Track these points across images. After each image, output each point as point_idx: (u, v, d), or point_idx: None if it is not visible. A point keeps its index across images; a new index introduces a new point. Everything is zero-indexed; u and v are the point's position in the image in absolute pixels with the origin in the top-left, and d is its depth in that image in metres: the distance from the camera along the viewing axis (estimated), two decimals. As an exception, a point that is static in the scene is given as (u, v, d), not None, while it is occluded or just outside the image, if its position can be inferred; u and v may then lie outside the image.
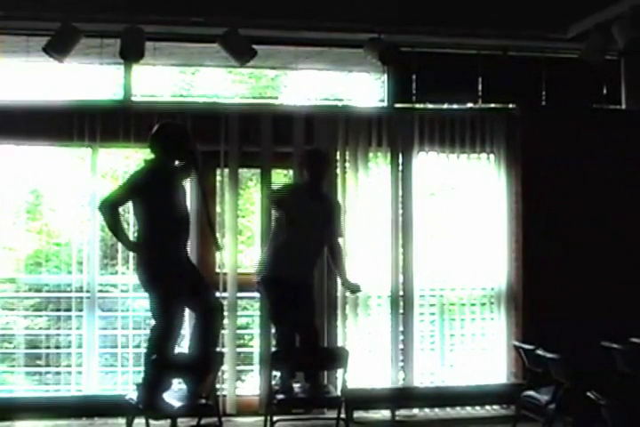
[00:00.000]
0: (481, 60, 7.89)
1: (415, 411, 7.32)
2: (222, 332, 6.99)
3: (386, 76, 7.80)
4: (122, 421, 6.16)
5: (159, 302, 5.97)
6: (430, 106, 7.88)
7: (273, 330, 7.08)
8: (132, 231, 6.62)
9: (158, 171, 6.07)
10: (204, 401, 5.86)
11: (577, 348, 6.08)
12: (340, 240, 6.85)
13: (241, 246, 7.84)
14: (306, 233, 6.37)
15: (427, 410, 7.36)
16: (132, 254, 7.04)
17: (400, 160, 7.54)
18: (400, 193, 7.50)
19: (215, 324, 6.18)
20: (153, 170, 6.10)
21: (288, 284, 6.35)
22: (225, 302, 7.09)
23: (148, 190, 5.96)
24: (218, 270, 7.16)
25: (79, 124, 7.04)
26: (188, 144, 6.13)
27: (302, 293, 6.47)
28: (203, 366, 5.91)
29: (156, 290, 5.97)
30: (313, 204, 6.49)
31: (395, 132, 7.50)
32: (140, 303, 7.20)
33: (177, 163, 6.19)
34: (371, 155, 7.53)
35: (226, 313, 7.07)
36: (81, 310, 7.12)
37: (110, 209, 5.89)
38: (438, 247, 7.68)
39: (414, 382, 7.41)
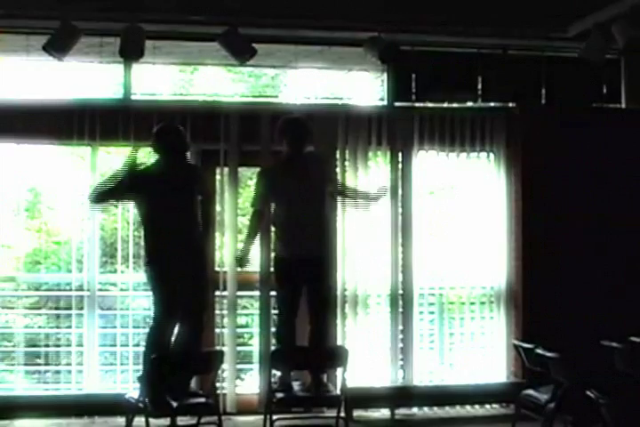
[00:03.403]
0: (481, 58, 7.90)
1: (414, 410, 7.32)
2: (221, 330, 7.04)
3: (386, 74, 7.80)
4: (122, 419, 6.16)
5: (159, 297, 6.09)
6: (430, 105, 7.89)
7: (274, 329, 7.10)
8: (131, 231, 6.66)
9: (155, 171, 6.19)
10: (203, 400, 5.87)
11: (576, 347, 6.07)
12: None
13: (240, 245, 7.81)
14: (297, 208, 6.33)
15: (426, 409, 7.36)
16: (132, 253, 7.09)
17: (400, 159, 7.54)
18: (400, 192, 7.50)
19: (195, 323, 6.22)
20: (150, 170, 6.26)
21: (296, 263, 6.33)
22: (224, 301, 7.13)
23: (139, 189, 6.10)
24: (217, 269, 7.16)
25: (79, 122, 7.03)
26: (184, 146, 6.30)
27: (314, 273, 6.39)
28: (196, 365, 5.93)
29: (157, 286, 6.06)
30: (294, 177, 6.40)
31: (394, 131, 7.50)
32: (140, 302, 7.21)
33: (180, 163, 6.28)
34: (370, 154, 7.52)
35: (225, 312, 7.11)
36: (81, 309, 7.12)
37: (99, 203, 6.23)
38: (438, 246, 7.68)
39: (414, 380, 7.42)
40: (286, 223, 6.40)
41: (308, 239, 6.34)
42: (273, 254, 6.65)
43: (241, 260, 6.53)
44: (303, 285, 6.42)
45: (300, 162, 6.49)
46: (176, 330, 6.20)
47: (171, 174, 6.16)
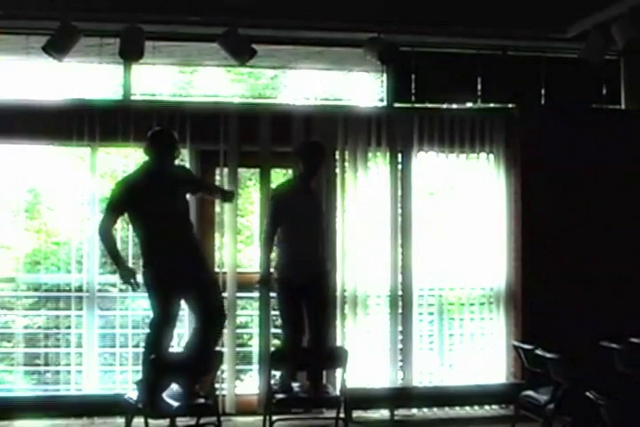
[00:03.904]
0: (480, 59, 7.90)
1: (414, 411, 7.32)
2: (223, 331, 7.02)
3: (385, 75, 7.79)
4: (121, 420, 6.17)
5: (156, 302, 6.08)
6: (430, 106, 7.88)
7: (273, 330, 7.11)
8: (131, 232, 6.65)
9: (144, 175, 6.20)
10: (203, 400, 5.87)
11: (576, 348, 6.08)
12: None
13: (240, 246, 7.84)
14: (305, 225, 6.48)
15: (425, 410, 7.36)
16: (131, 254, 7.08)
17: (399, 160, 7.55)
18: (399, 193, 7.50)
19: (214, 325, 6.21)
20: (138, 175, 6.27)
21: (301, 280, 6.42)
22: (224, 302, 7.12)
23: (138, 196, 6.10)
24: (217, 270, 7.15)
25: (78, 123, 7.03)
26: (175, 150, 6.33)
27: (315, 284, 6.52)
28: (198, 366, 5.91)
29: (153, 290, 6.06)
30: (306, 196, 6.57)
31: (394, 132, 7.50)
32: (139, 303, 7.20)
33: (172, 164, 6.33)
34: (370, 154, 7.52)
35: (226, 312, 7.09)
36: (80, 310, 7.12)
37: (107, 232, 6.14)
38: (437, 247, 7.68)
39: (413, 381, 7.42)
40: (293, 240, 6.47)
41: (313, 256, 6.51)
42: (276, 273, 6.63)
43: (266, 282, 6.62)
44: (304, 298, 6.47)
45: (309, 186, 6.65)
46: (192, 329, 6.27)
47: (160, 177, 6.15)
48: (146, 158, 6.34)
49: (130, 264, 7.18)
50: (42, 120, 6.94)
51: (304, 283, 6.43)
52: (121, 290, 7.40)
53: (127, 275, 6.12)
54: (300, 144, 6.87)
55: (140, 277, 6.20)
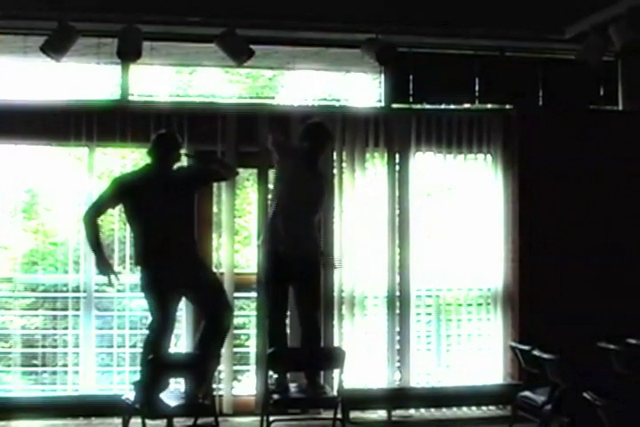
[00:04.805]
0: (478, 60, 7.90)
1: (411, 411, 7.32)
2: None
3: (383, 76, 7.79)
4: (118, 421, 6.17)
5: (153, 304, 6.10)
6: (427, 106, 7.87)
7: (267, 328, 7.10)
8: (128, 232, 6.64)
9: (145, 177, 6.20)
10: (200, 401, 5.87)
11: (573, 348, 6.08)
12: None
13: (237, 246, 7.83)
14: (298, 200, 6.37)
15: (423, 410, 7.36)
16: (128, 254, 7.08)
17: (397, 160, 7.54)
18: (397, 193, 7.50)
19: (222, 325, 6.21)
20: (138, 176, 6.27)
21: (285, 258, 6.32)
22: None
23: (134, 194, 6.10)
24: (215, 270, 7.14)
25: (76, 123, 7.02)
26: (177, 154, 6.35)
27: (303, 272, 6.38)
28: (202, 366, 5.91)
29: (150, 293, 6.06)
30: (308, 174, 6.46)
31: (392, 133, 7.49)
32: (137, 303, 7.20)
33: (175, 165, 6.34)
34: (368, 155, 7.51)
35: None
36: (77, 310, 7.11)
37: (91, 220, 6.10)
38: (435, 248, 7.68)
39: (411, 382, 7.41)
40: (288, 218, 6.36)
41: (304, 233, 6.39)
42: (263, 246, 6.58)
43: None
44: (291, 283, 6.44)
45: (315, 167, 6.54)
46: (201, 328, 6.25)
47: (160, 178, 6.15)
48: (148, 160, 6.34)
49: (127, 265, 7.22)
50: (39, 120, 6.93)
51: (291, 260, 6.29)
52: (118, 291, 7.40)
53: (105, 267, 6.12)
54: (307, 125, 6.66)
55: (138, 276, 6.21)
